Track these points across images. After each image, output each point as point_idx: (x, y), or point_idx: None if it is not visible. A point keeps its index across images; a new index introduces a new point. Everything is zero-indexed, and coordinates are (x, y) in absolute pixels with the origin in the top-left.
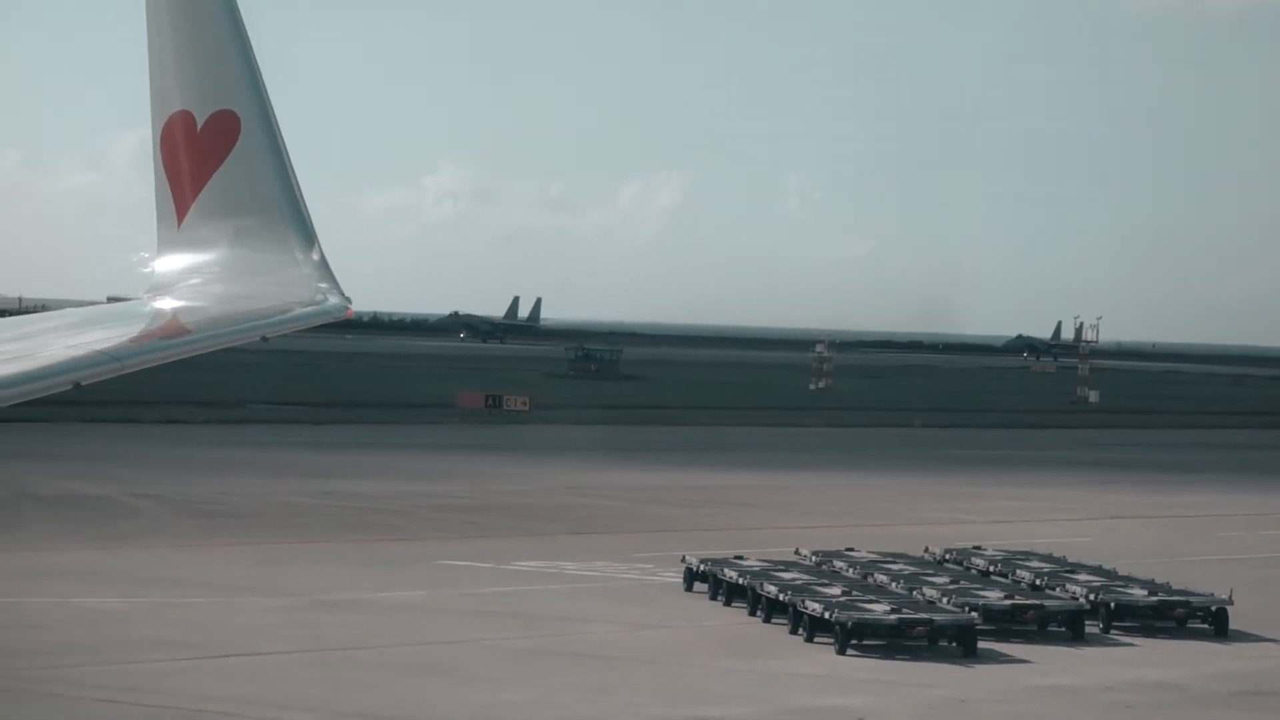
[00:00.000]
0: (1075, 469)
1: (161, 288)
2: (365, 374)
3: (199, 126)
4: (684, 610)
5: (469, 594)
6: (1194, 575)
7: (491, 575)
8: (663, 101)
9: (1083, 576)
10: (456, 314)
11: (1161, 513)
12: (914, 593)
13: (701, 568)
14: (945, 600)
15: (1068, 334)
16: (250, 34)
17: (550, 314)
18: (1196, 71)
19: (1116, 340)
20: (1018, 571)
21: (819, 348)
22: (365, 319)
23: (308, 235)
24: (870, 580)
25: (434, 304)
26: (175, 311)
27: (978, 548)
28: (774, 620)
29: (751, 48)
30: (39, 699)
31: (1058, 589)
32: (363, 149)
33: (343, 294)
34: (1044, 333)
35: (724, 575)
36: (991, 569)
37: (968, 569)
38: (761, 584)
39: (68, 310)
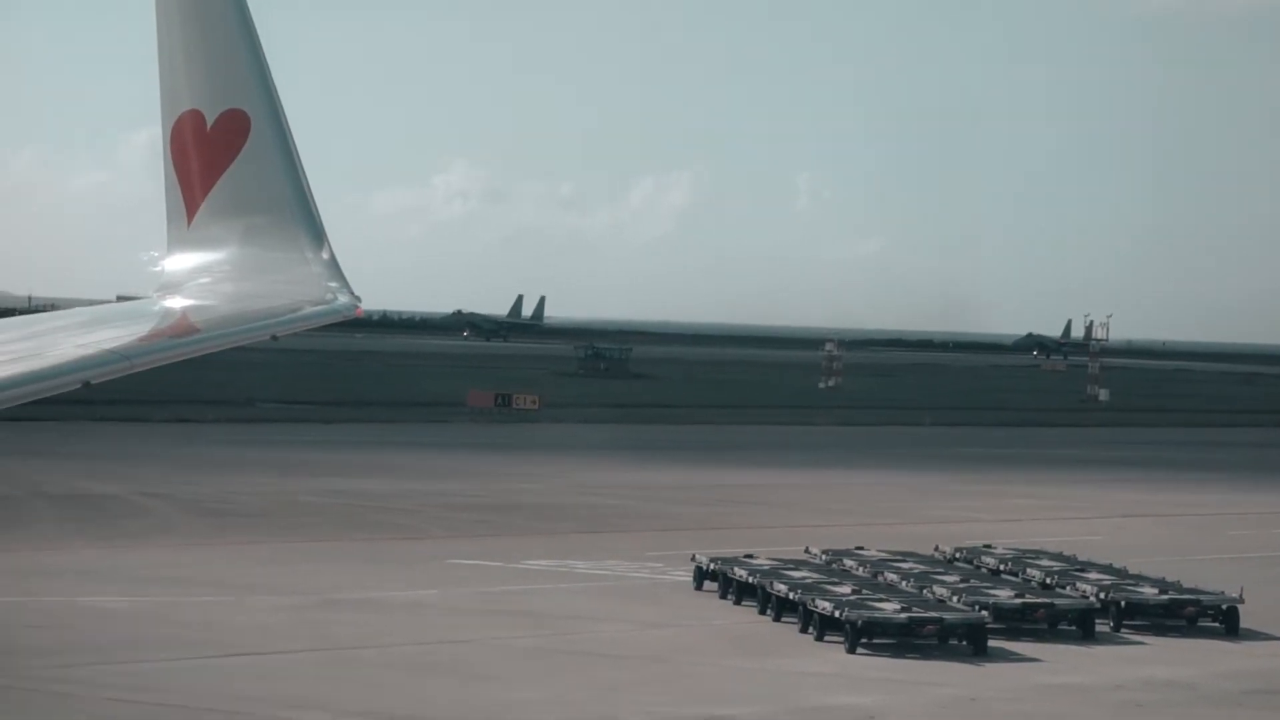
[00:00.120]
0: (1085, 467)
1: (171, 286)
2: (374, 373)
3: (209, 125)
4: (694, 609)
5: (479, 593)
6: (1205, 574)
7: (501, 574)
8: (673, 101)
9: (1093, 575)
10: (460, 312)
11: (1172, 511)
12: (924, 591)
13: (711, 566)
14: (955, 599)
15: (1078, 332)
16: (260, 33)
17: (559, 312)
18: (1196, 71)
19: (1127, 338)
20: (1028, 570)
21: (828, 346)
22: (374, 318)
23: (317, 234)
24: (880, 579)
25: (441, 303)
26: (185, 310)
27: (988, 546)
28: (784, 619)
29: (760, 47)
30: (47, 698)
31: (1068, 587)
32: (374, 149)
33: (352, 293)
34: (1054, 331)
35: (734, 574)
36: (1002, 567)
37: (978, 567)
38: (771, 583)
39: (77, 309)
